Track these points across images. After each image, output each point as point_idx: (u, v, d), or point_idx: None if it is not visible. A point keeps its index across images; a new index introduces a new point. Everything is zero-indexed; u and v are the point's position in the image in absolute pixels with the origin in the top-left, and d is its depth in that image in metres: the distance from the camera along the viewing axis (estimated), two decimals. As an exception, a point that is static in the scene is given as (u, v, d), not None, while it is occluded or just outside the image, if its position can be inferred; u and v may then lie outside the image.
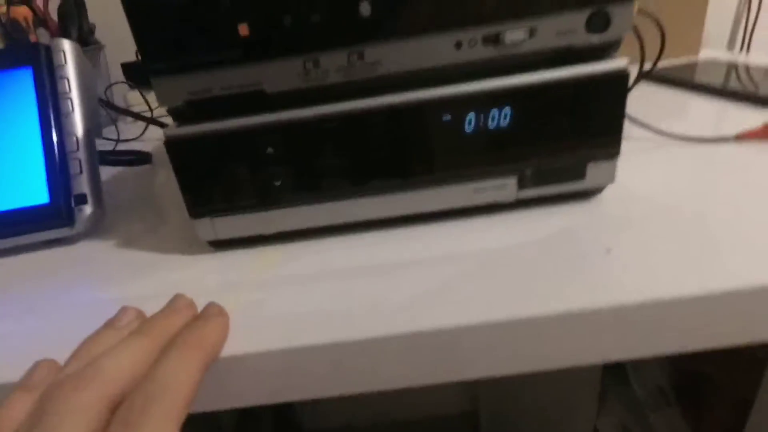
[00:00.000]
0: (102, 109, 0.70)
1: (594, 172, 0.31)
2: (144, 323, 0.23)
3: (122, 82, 0.80)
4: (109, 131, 0.72)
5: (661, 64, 0.38)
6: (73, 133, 0.39)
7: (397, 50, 0.28)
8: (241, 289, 0.29)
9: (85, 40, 0.79)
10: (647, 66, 0.38)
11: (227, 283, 0.30)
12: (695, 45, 0.65)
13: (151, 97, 0.79)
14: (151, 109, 0.77)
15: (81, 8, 0.77)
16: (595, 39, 0.28)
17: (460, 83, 0.29)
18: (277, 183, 0.31)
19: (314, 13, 0.27)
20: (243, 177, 0.31)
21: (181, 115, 0.30)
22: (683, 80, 0.54)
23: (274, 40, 0.28)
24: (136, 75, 0.83)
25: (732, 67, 0.57)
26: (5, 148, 0.39)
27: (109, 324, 0.24)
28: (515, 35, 0.27)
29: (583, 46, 0.28)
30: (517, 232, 0.30)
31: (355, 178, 0.31)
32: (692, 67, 0.59)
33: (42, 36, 0.75)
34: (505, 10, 0.27)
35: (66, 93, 0.40)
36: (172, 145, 0.30)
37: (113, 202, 0.46)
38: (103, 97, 0.78)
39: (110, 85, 0.81)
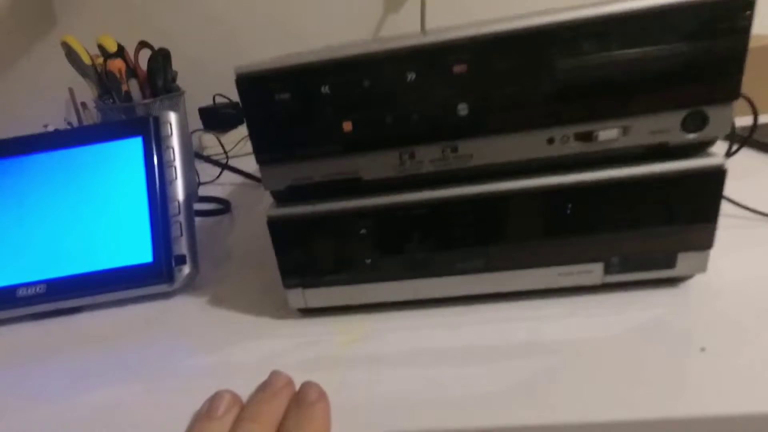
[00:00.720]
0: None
1: (685, 261, 0.31)
2: (249, 409, 0.25)
3: (200, 129, 0.87)
4: None
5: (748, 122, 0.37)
6: (175, 199, 0.43)
7: (489, 145, 0.29)
8: (330, 366, 0.30)
9: (169, 88, 0.86)
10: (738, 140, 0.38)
11: (316, 359, 0.31)
12: None
13: (226, 139, 0.85)
14: (226, 153, 0.82)
15: (167, 59, 0.84)
16: (691, 137, 0.28)
17: (551, 175, 0.30)
18: (368, 261, 0.33)
19: (414, 113, 0.29)
20: (336, 255, 0.33)
21: (281, 196, 0.33)
22: None
23: (375, 135, 0.30)
24: (212, 120, 0.90)
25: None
26: (116, 210, 0.43)
27: (209, 415, 0.25)
28: (608, 134, 0.28)
29: (678, 144, 0.28)
30: (603, 319, 0.30)
31: (441, 259, 0.32)
32: None
33: (133, 86, 0.82)
34: (598, 110, 0.28)
35: (171, 161, 0.44)
36: (273, 224, 0.33)
37: (201, 253, 0.49)
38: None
39: (192, 132, 0.87)
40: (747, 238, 0.37)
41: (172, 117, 0.45)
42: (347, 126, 0.29)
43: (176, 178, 0.43)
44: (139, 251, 0.42)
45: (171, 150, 0.44)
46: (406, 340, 0.32)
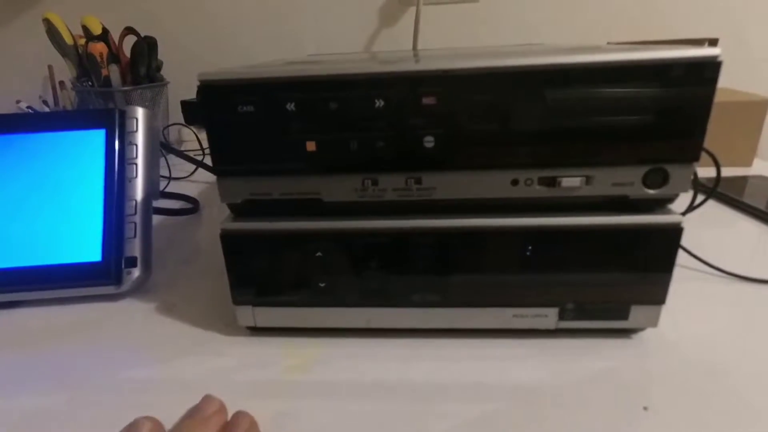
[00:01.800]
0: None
1: (638, 314, 0.31)
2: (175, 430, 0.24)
3: (180, 123, 0.85)
4: (161, 165, 0.74)
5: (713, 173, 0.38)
6: (133, 198, 0.41)
7: (453, 180, 0.29)
8: (272, 393, 0.29)
9: (152, 77, 0.84)
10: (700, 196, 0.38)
11: (259, 383, 0.30)
12: (749, 156, 0.64)
13: (205, 136, 0.83)
14: (202, 150, 0.80)
15: (153, 48, 0.82)
16: (652, 193, 0.28)
17: (511, 215, 0.29)
18: (322, 284, 0.32)
19: (380, 140, 0.28)
20: (290, 275, 0.32)
21: (238, 209, 0.32)
22: (733, 199, 0.53)
23: (338, 157, 0.29)
24: (193, 114, 0.88)
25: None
26: (68, 203, 0.41)
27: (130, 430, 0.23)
28: (572, 182, 0.28)
29: (638, 198, 0.28)
30: (554, 366, 0.30)
31: (396, 289, 0.32)
32: (743, 183, 0.58)
33: (113, 71, 0.80)
34: (563, 157, 0.28)
35: (133, 158, 0.42)
36: (226, 237, 0.31)
37: (157, 253, 0.47)
38: (161, 134, 0.82)
39: (167, 126, 0.85)
40: (704, 293, 0.37)
41: (140, 112, 0.44)
42: (311, 146, 0.29)
43: (136, 176, 0.42)
44: (88, 249, 0.40)
45: (134, 147, 0.43)
46: (354, 370, 0.31)
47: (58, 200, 0.41)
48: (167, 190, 0.66)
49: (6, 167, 0.41)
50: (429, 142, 0.28)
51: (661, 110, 0.26)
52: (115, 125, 0.43)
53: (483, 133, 0.27)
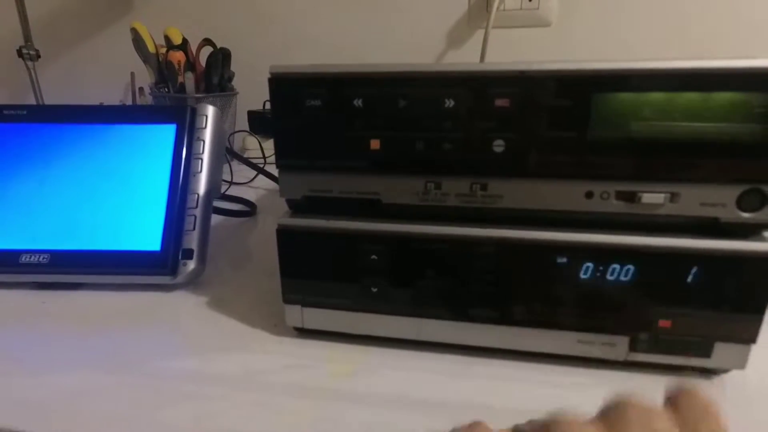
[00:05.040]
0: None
1: (722, 352, 0.28)
2: None
3: (245, 131, 0.88)
4: (224, 170, 0.76)
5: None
6: (195, 192, 0.42)
7: (522, 189, 0.27)
8: (314, 397, 0.28)
9: (224, 87, 0.87)
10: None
11: (301, 386, 0.29)
12: None
13: (267, 145, 0.86)
14: (264, 158, 0.82)
15: (227, 59, 0.86)
16: (746, 217, 0.25)
17: (583, 231, 0.27)
18: (374, 289, 0.31)
19: (447, 142, 0.27)
20: (342, 277, 0.31)
21: (296, 205, 0.31)
22: None
23: (402, 158, 0.28)
24: (259, 124, 0.91)
25: None
26: (134, 193, 0.42)
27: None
28: (654, 198, 0.26)
29: (730, 221, 0.25)
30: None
31: (454, 302, 0.30)
32: None
33: (188, 79, 0.84)
34: (645, 170, 0.25)
35: (199, 154, 0.43)
36: (283, 233, 0.31)
37: (213, 250, 0.48)
38: (227, 140, 0.85)
39: (233, 133, 0.88)
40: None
41: (210, 110, 0.45)
42: (375, 144, 0.28)
43: (201, 171, 0.43)
44: (149, 238, 0.41)
45: (202, 142, 0.44)
46: (399, 382, 0.29)
47: (125, 189, 0.42)
48: (228, 193, 0.67)
49: (81, 155, 0.44)
50: (499, 146, 0.27)
51: (763, 124, 0.23)
52: (186, 121, 0.44)
53: (558, 139, 0.26)
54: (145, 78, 0.90)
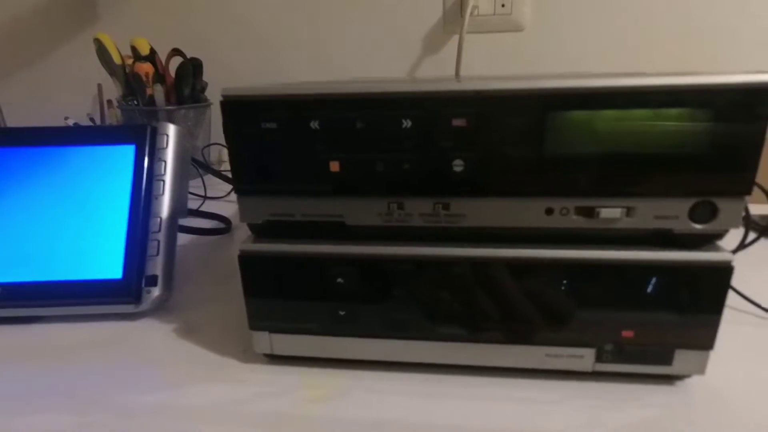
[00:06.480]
0: (193, 165, 0.72)
1: (682, 359, 0.28)
2: None
3: (221, 144, 0.86)
4: (197, 185, 0.72)
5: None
6: (158, 215, 0.41)
7: (484, 207, 0.27)
8: (287, 425, 0.28)
9: (196, 98, 0.85)
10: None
11: (274, 414, 0.29)
12: None
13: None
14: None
15: (198, 69, 0.84)
16: (699, 228, 0.26)
17: (545, 247, 0.27)
18: (342, 313, 0.30)
19: (407, 163, 0.27)
20: (309, 301, 0.31)
21: (258, 230, 0.31)
22: None
23: (363, 179, 0.28)
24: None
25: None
26: (93, 218, 0.41)
27: None
28: (611, 212, 0.26)
29: (684, 233, 0.26)
30: (589, 413, 0.28)
31: (423, 322, 0.30)
32: None
33: (158, 91, 0.82)
34: (603, 187, 0.26)
35: (161, 175, 0.42)
36: (245, 259, 0.30)
37: (184, 272, 0.47)
38: (200, 154, 0.83)
39: (208, 145, 0.86)
40: (755, 339, 0.34)
41: (171, 129, 0.44)
42: (334, 166, 0.28)
43: (163, 193, 0.42)
44: (109, 265, 0.40)
45: (163, 163, 0.43)
46: (376, 405, 0.29)
47: (83, 215, 0.41)
48: (202, 209, 0.66)
49: (33, 180, 0.42)
50: (458, 166, 0.27)
51: (711, 139, 0.24)
52: (146, 141, 0.43)
53: (516, 158, 0.26)
54: (114, 90, 0.87)
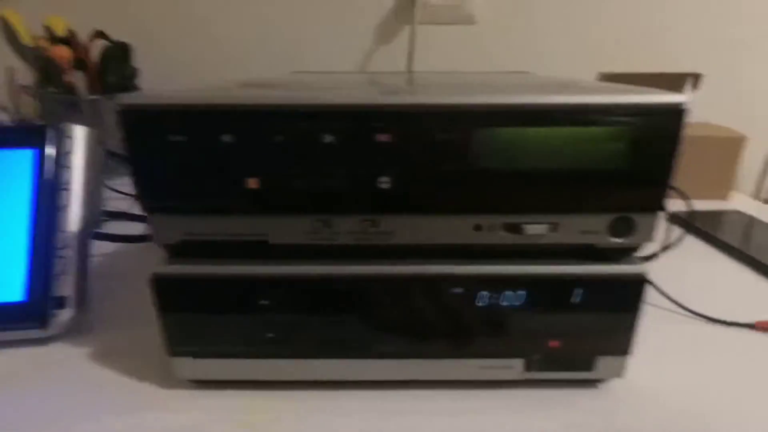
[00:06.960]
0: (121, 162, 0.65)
1: (603, 365, 0.29)
2: None
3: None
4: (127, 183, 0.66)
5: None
6: (65, 229, 0.37)
7: (412, 224, 0.27)
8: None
9: (125, 86, 0.77)
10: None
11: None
12: (726, 188, 0.65)
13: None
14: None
15: (126, 53, 0.76)
16: (617, 242, 0.26)
17: (474, 263, 0.27)
18: (269, 335, 0.29)
19: (330, 179, 0.26)
20: (232, 325, 0.29)
21: (174, 250, 0.28)
22: (708, 234, 0.53)
23: (285, 197, 0.26)
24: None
25: (755, 225, 0.56)
26: (-10, 233, 0.37)
27: None
28: (536, 228, 0.26)
29: (605, 246, 0.26)
30: (518, 418, 0.28)
31: (352, 340, 0.29)
32: (719, 218, 0.58)
33: (78, 79, 0.74)
34: (526, 203, 0.26)
35: (67, 184, 0.38)
36: (159, 282, 0.28)
37: (105, 287, 0.43)
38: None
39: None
40: (676, 336, 0.36)
41: (78, 131, 0.40)
42: (253, 182, 0.26)
43: (70, 204, 0.38)
44: (10, 287, 0.36)
45: (69, 170, 0.39)
46: (313, 427, 0.28)
47: (-24, 231, 0.37)
48: (130, 211, 0.60)
49: None
50: (384, 183, 0.26)
51: (624, 158, 0.24)
52: (47, 145, 0.39)
53: (443, 174, 0.25)
54: (29, 76, 0.77)
